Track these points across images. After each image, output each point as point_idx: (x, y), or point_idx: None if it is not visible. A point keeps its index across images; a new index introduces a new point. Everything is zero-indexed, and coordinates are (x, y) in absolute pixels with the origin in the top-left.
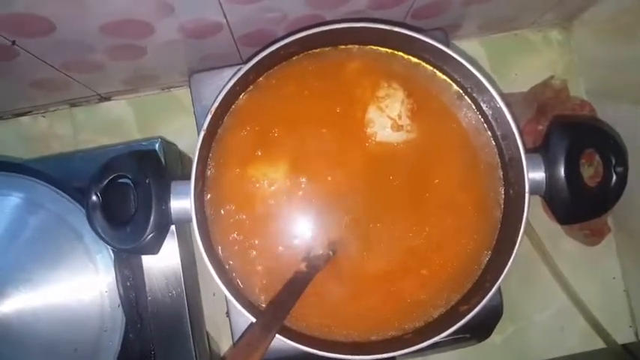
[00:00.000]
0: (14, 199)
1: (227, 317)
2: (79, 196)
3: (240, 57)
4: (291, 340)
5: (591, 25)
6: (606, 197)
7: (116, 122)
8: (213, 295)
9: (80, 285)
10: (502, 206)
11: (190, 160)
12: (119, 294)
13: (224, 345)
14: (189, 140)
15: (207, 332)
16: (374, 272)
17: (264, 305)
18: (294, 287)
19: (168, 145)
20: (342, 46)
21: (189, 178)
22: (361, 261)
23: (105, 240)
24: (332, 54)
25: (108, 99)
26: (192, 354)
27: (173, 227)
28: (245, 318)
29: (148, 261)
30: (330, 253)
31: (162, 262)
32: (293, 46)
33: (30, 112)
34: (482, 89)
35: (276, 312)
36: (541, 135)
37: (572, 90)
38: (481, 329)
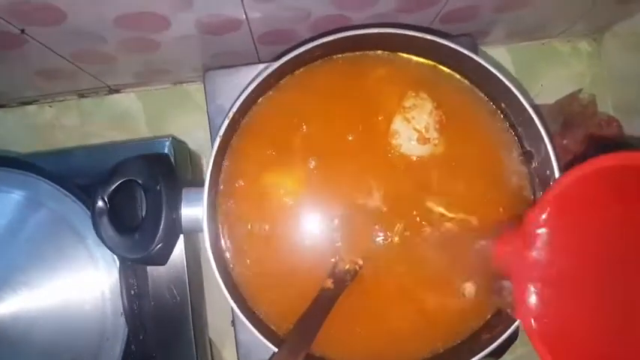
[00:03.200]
0: (15, 197)
1: (232, 326)
2: (83, 195)
3: (258, 55)
4: None
5: (623, 38)
6: None
7: (124, 115)
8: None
9: (81, 290)
10: None
11: (200, 159)
12: (122, 304)
13: (227, 352)
14: (199, 137)
15: (209, 339)
16: (398, 289)
17: (274, 325)
18: (321, 306)
19: (178, 144)
20: (368, 51)
21: (200, 184)
22: (386, 276)
23: (111, 249)
24: (357, 59)
25: (117, 91)
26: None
27: None
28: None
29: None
30: (357, 267)
31: (169, 267)
32: (316, 51)
33: (37, 101)
34: (517, 107)
35: (304, 334)
36: (565, 150)
37: (600, 104)
38: (494, 351)
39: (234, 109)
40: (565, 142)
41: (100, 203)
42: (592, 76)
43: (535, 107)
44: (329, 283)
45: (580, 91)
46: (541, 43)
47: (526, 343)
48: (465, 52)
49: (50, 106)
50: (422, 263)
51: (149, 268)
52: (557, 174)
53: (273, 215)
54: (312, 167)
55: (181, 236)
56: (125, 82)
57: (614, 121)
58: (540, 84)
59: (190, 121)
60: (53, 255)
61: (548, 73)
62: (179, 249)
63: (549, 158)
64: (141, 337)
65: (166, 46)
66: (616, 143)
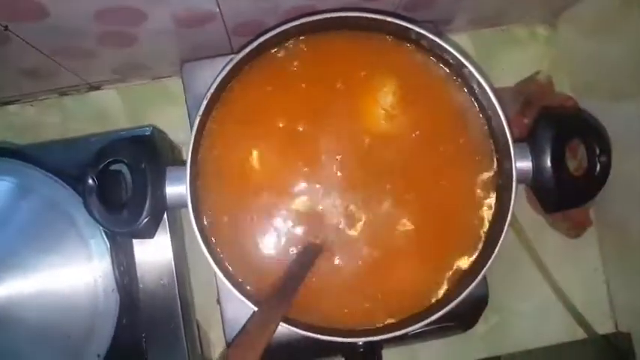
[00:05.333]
0: (5, 184)
1: (217, 304)
2: (72, 181)
3: (231, 47)
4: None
5: (576, 22)
6: (590, 185)
7: (105, 112)
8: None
9: (74, 270)
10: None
11: (180, 151)
12: (115, 277)
13: (213, 332)
14: (178, 131)
15: (196, 320)
16: (369, 259)
17: (253, 290)
18: (295, 275)
19: (159, 133)
20: (335, 34)
21: (182, 165)
22: (357, 247)
23: (101, 223)
24: (325, 42)
25: (97, 88)
26: (183, 341)
27: (165, 216)
28: (236, 305)
29: (139, 249)
30: (328, 239)
31: (154, 251)
32: (285, 34)
33: (18, 100)
34: (474, 80)
35: (278, 301)
36: (526, 128)
37: (558, 85)
38: (466, 318)
39: (212, 90)
40: (525, 120)
41: (90, 182)
42: (550, 58)
43: (485, 76)
44: (302, 254)
45: (538, 72)
46: (501, 29)
47: (499, 312)
48: (420, 30)
49: (32, 105)
50: (391, 232)
51: (136, 253)
52: (510, 139)
53: (251, 194)
54: (285, 146)
55: (166, 222)
56: (105, 79)
57: (571, 99)
58: (501, 68)
59: (170, 115)
60: (46, 238)
61: (508, 57)
62: (164, 234)
63: (502, 124)
64: (132, 312)
65: (144, 40)
66: (569, 114)
